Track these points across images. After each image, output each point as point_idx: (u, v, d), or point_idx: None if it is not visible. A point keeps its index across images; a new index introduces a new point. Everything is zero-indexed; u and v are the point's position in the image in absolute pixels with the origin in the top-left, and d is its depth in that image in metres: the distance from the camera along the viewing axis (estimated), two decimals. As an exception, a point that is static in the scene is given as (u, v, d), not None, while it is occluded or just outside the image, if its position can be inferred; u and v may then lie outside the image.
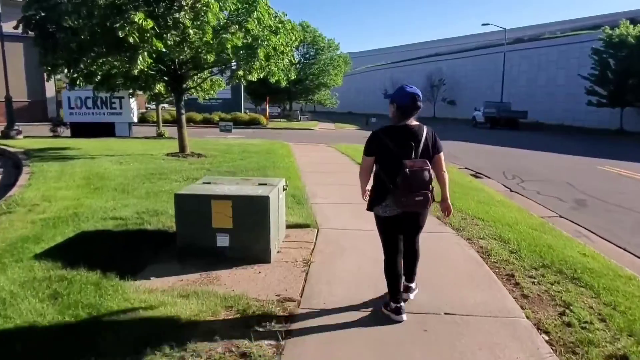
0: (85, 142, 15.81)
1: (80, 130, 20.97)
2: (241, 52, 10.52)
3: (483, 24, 45.34)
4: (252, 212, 4.61)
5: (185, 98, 13.89)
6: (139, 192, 7.59)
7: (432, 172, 3.30)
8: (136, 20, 8.49)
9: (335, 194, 8.33)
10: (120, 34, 8.54)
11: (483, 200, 8.25)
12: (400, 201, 3.24)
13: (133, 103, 20.94)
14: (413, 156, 3.26)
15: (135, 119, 21.52)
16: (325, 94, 53.03)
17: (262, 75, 12.49)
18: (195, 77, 12.48)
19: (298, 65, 51.86)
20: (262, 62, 11.31)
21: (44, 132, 21.64)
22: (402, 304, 3.48)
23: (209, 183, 5.27)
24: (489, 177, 12.98)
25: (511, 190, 11.09)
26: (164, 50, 9.54)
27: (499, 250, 5.34)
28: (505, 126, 37.87)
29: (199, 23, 9.71)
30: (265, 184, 5.15)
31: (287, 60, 12.30)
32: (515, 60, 48.89)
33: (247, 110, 57.37)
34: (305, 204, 7.16)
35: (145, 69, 10.12)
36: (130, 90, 19.40)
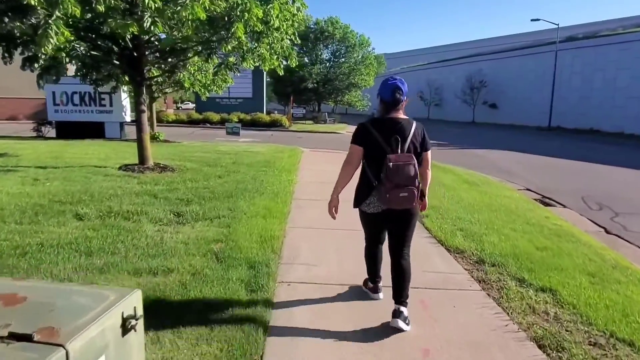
0: (42, 145, 12.95)
1: (67, 130, 18.27)
2: (207, 28, 7.17)
3: (532, 20, 40.89)
4: None
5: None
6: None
7: (416, 168, 3.04)
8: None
9: (341, 256, 4.80)
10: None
11: (595, 272, 4.59)
12: (384, 197, 3.04)
13: (125, 100, 18.04)
14: (399, 151, 3.06)
15: (127, 118, 18.63)
16: (355, 95, 49.43)
17: (257, 63, 9.13)
18: (161, 63, 9.20)
19: (328, 64, 48.64)
20: (244, 42, 7.97)
21: (27, 132, 19.08)
22: (380, 283, 3.67)
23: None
24: (564, 206, 9.19)
25: (607, 232, 7.38)
26: (83, 18, 6.33)
27: None
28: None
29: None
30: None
31: (287, 42, 8.91)
32: (567, 60, 43.94)
33: (276, 111, 54.64)
34: (266, 290, 3.71)
35: (66, 46, 6.94)
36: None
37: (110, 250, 4.37)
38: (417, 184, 3.04)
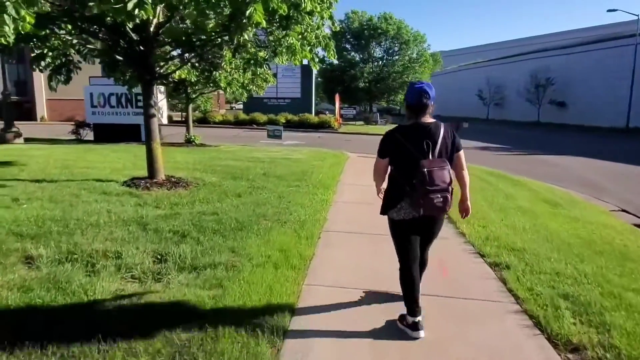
0: (64, 150, 11.98)
1: (104, 133, 17.58)
2: (217, 10, 5.54)
3: (609, 10, 36.83)
4: None
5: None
6: None
7: (451, 172, 2.99)
8: None
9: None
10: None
11: None
12: (418, 203, 2.95)
13: (162, 101, 17.03)
14: (430, 156, 2.98)
15: (164, 120, 17.67)
16: (409, 94, 46.95)
17: (289, 58, 7.49)
18: (171, 58, 7.72)
19: (380, 62, 46.55)
20: (267, 28, 6.36)
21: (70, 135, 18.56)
22: (420, 318, 3.14)
23: None
24: (681, 239, 6.89)
25: None
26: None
27: None
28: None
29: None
30: None
31: (324, 30, 7.21)
32: (647, 54, 39.38)
33: (327, 111, 53.25)
34: None
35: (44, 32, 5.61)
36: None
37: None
38: (451, 189, 2.96)
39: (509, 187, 9.89)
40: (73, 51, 8.03)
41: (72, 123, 18.64)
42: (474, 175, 11.32)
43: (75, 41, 6.74)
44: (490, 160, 16.71)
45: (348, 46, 46.95)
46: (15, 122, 15.31)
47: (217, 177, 8.81)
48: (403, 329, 3.19)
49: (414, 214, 3.06)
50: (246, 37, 6.09)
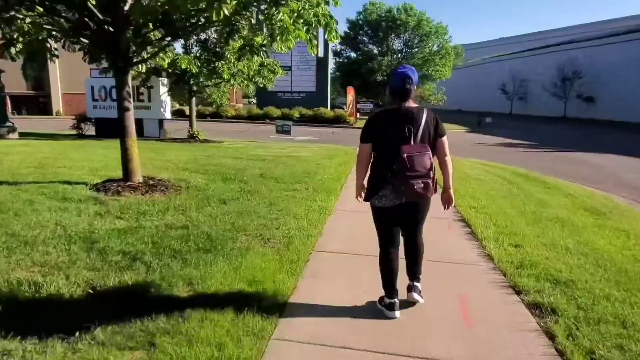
0: (50, 146, 11.11)
1: (106, 128, 16.74)
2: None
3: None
4: None
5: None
6: None
7: (431, 157, 2.94)
8: None
9: None
10: None
11: None
12: (399, 190, 2.93)
13: (165, 95, 16.12)
14: (412, 141, 2.94)
15: (167, 115, 16.76)
16: (429, 89, 45.34)
17: (280, 42, 6.35)
18: (146, 43, 6.62)
19: (399, 55, 44.99)
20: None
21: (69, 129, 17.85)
22: (396, 300, 3.20)
23: None
24: None
25: None
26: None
27: None
28: None
29: None
30: None
31: (324, 7, 6.05)
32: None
33: (344, 106, 52.03)
34: None
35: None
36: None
37: None
38: (432, 174, 2.92)
39: (541, 192, 8.63)
40: (45, 35, 7.07)
41: (73, 117, 17.89)
42: (500, 176, 10.04)
43: (45, 24, 5.76)
44: (517, 159, 15.34)
45: (366, 39, 45.48)
46: (32, 116, 14.78)
47: (206, 179, 7.77)
48: (381, 308, 3.26)
49: (396, 201, 3.04)
50: (226, 11, 4.99)
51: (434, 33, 42.33)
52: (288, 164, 10.01)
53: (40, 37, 7.09)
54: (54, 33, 6.83)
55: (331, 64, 51.38)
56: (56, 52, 7.45)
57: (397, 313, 3.18)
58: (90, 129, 17.55)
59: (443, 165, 3.18)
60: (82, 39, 6.18)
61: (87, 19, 6.17)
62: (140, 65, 8.31)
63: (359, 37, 45.51)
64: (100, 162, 8.74)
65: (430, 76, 43.19)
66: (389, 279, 3.20)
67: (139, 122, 16.52)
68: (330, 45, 41.81)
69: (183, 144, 14.28)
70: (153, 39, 6.79)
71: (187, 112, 35.87)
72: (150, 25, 6.25)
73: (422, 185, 2.89)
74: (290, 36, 5.72)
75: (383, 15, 43.07)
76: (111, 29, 6.11)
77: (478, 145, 21.03)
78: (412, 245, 3.31)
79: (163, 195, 6.37)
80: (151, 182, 6.85)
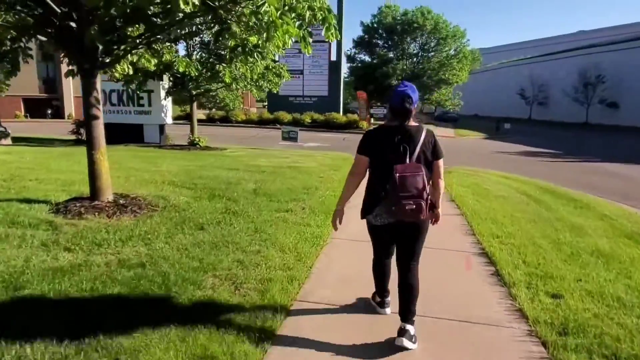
0: (36, 154, 10.34)
1: (106, 133, 15.92)
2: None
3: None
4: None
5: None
6: None
7: (425, 178, 2.82)
8: None
9: None
10: None
11: None
12: (390, 210, 2.87)
13: (166, 99, 15.34)
14: (407, 160, 2.87)
15: (168, 120, 15.99)
16: (445, 93, 44.12)
17: (284, 38, 5.45)
18: (112, 42, 5.71)
19: (415, 59, 43.89)
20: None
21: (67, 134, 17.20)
22: (388, 298, 3.44)
23: None
24: None
25: None
26: None
27: None
28: None
29: None
30: None
31: (322, -1, 5.12)
32: None
33: (359, 110, 51.05)
34: None
35: None
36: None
37: None
38: (425, 195, 2.82)
39: (573, 212, 7.55)
40: (14, 34, 6.27)
41: (72, 122, 17.23)
42: (525, 193, 8.91)
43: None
44: (540, 170, 14.20)
45: (381, 42, 44.45)
46: (44, 120, 14.16)
47: (191, 195, 6.88)
48: (374, 305, 3.51)
49: (390, 220, 2.98)
50: (196, 1, 4.09)
51: (451, 36, 41.15)
52: (287, 176, 9.08)
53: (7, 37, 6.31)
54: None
55: (345, 68, 50.55)
56: (30, 52, 6.64)
57: (388, 310, 3.42)
58: (90, 134, 16.87)
59: (435, 186, 3.07)
60: (39, 37, 5.33)
61: (50, 14, 5.32)
62: (122, 67, 7.51)
63: (374, 41, 44.52)
64: (79, 175, 7.90)
65: (447, 80, 41.95)
66: (381, 284, 3.42)
67: (139, 128, 15.89)
68: (345, 49, 40.98)
69: (181, 152, 13.45)
70: (129, 37, 5.91)
71: (199, 117, 35.50)
72: (119, 21, 5.37)
73: (414, 206, 2.79)
74: (277, 32, 4.78)
75: (399, 18, 42.07)
76: (73, 24, 5.25)
77: (497, 153, 19.86)
78: (407, 284, 3.07)
79: (133, 217, 5.48)
80: (122, 201, 5.97)
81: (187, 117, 33.69)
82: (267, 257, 4.40)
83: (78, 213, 5.38)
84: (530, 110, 59.76)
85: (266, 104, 68.36)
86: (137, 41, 5.85)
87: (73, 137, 16.86)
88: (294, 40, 5.79)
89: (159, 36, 6.31)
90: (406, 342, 2.92)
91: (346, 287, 3.88)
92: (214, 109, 33.96)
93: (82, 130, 16.98)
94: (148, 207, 5.94)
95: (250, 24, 4.97)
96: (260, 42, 6.74)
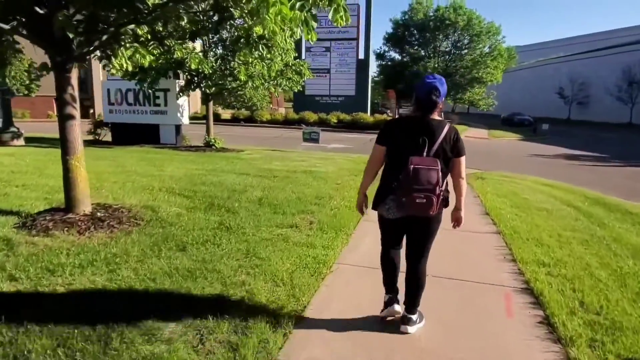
0: (20, 155, 9.78)
1: (123, 134, 15.63)
2: None
3: None
4: None
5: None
6: None
7: (441, 174, 2.74)
8: None
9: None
10: None
11: None
12: (400, 202, 2.83)
13: (182, 98, 14.72)
14: (425, 154, 2.79)
15: (185, 120, 15.37)
16: (478, 92, 42.41)
17: (275, 18, 4.57)
18: (86, 31, 4.92)
19: (447, 57, 42.35)
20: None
21: (85, 135, 16.82)
22: (393, 295, 3.23)
23: None
24: None
25: None
26: None
27: None
28: None
29: None
30: None
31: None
32: None
33: (388, 110, 49.78)
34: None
35: None
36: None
37: None
38: (437, 191, 2.75)
39: (631, 230, 6.37)
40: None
41: (90, 122, 16.86)
42: (571, 205, 7.55)
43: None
44: (585, 176, 12.86)
45: (411, 39, 43.06)
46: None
47: (186, 206, 6.08)
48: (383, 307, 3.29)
49: (402, 214, 2.92)
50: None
51: (485, 33, 39.44)
52: (300, 183, 8.20)
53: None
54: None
55: (373, 67, 49.39)
56: (19, 47, 5.99)
57: (397, 307, 3.20)
58: (107, 135, 16.46)
59: (456, 187, 2.99)
60: (1, 25, 4.60)
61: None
62: (119, 62, 6.79)
63: (404, 38, 43.19)
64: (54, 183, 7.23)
65: (480, 79, 40.25)
66: (389, 279, 3.22)
67: (155, 129, 15.34)
68: (373, 48, 39.90)
69: (195, 154, 12.76)
70: (107, 24, 5.14)
71: (224, 117, 34.99)
72: (92, 4, 4.59)
73: (425, 200, 2.73)
74: (268, 13, 3.90)
75: (430, 14, 40.63)
76: (39, 10, 4.51)
77: (534, 157, 18.44)
78: (414, 277, 3.11)
79: (109, 233, 4.71)
80: (101, 213, 5.20)
81: (212, 117, 33.39)
82: (253, 291, 3.53)
83: (45, 228, 4.65)
84: (569, 110, 57.05)
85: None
86: (118, 30, 5.06)
87: (90, 137, 16.48)
88: (300, 30, 4.89)
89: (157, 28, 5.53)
90: (408, 328, 3.08)
91: (346, 342, 2.96)
92: (242, 109, 33.30)
93: (99, 131, 16.64)
94: (130, 221, 5.17)
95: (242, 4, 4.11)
96: (265, 32, 5.89)
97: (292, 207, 6.30)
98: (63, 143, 5.09)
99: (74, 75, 5.09)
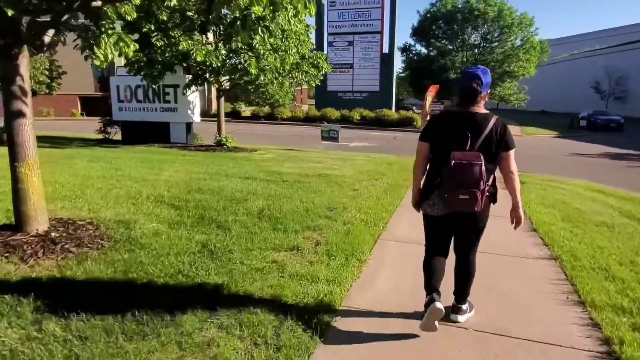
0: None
1: (132, 132, 14.86)
2: None
3: None
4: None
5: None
6: None
7: (484, 169, 2.62)
8: None
9: None
10: None
11: None
12: (443, 198, 2.76)
13: (193, 95, 13.84)
14: (468, 148, 2.68)
15: (196, 117, 14.48)
16: (509, 87, 40.43)
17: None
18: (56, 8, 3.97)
19: (476, 50, 40.54)
20: None
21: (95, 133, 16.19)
22: (435, 294, 2.84)
23: None
24: None
25: None
26: None
27: None
28: None
29: None
30: None
31: None
32: None
33: (414, 107, 48.18)
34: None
35: None
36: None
37: None
38: (482, 186, 2.64)
39: None
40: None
41: (99, 120, 16.16)
42: (633, 216, 6.23)
43: None
44: (636, 179, 11.40)
45: (438, 32, 41.33)
46: (97, 117, 13.12)
47: (169, 220, 5.11)
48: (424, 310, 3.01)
49: (446, 210, 2.83)
50: None
51: (517, 25, 37.45)
52: (311, 189, 7.14)
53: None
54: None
55: (398, 62, 47.85)
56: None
57: (439, 304, 2.74)
58: (117, 133, 15.74)
59: (507, 182, 2.84)
60: None
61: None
62: (102, 51, 5.85)
63: (432, 31, 41.52)
64: (50, 187, 6.37)
65: (512, 73, 38.30)
66: (430, 282, 2.93)
67: (165, 127, 14.49)
68: (397, 44, 38.53)
69: (204, 154, 11.85)
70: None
71: (245, 114, 34.20)
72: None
73: (468, 196, 2.62)
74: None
75: (459, 5, 38.88)
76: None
77: (576, 156, 16.87)
78: (464, 267, 3.04)
79: (59, 260, 3.75)
80: (58, 233, 4.26)
81: (232, 114, 32.62)
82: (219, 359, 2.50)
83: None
84: (606, 106, 54.15)
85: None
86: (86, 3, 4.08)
87: (100, 136, 15.80)
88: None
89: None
90: (459, 317, 3.06)
91: None
92: (266, 106, 32.36)
93: (109, 129, 15.94)
94: (94, 242, 4.21)
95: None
96: (266, 13, 4.89)
97: (297, 222, 5.25)
98: (11, 147, 4.16)
99: (24, 63, 4.15)
